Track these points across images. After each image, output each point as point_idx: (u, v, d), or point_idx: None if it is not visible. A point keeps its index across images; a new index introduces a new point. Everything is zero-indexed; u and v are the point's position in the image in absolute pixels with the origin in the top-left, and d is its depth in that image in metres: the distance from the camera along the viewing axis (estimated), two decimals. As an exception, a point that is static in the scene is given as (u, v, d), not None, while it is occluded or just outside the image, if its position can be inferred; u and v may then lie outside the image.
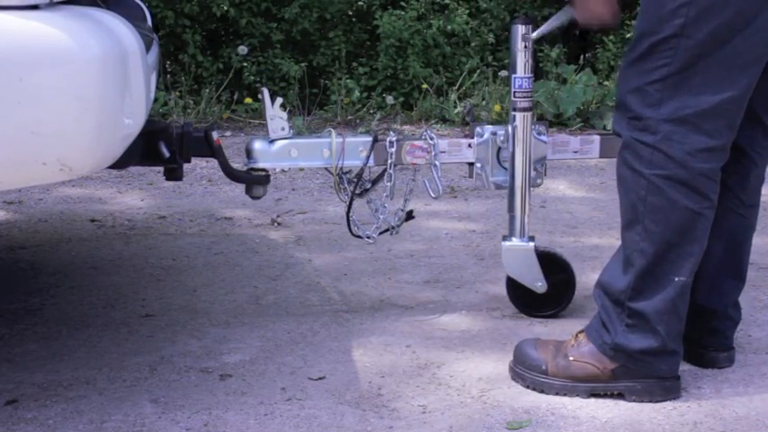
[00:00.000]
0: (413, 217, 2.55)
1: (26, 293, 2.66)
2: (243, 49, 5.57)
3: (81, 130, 1.64)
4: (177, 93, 5.35)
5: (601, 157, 2.59)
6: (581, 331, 2.16)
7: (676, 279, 2.03)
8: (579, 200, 3.85)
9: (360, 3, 5.95)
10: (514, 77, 2.40)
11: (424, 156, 2.45)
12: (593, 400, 2.07)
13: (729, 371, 2.22)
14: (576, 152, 2.55)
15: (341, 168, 2.42)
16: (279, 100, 2.41)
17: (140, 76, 1.77)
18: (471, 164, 2.50)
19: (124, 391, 2.08)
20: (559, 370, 2.10)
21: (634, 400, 2.06)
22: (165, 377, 2.15)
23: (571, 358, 2.10)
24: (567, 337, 2.38)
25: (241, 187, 2.47)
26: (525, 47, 2.38)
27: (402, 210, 2.52)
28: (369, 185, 2.45)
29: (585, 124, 5.35)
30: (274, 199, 3.76)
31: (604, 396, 2.08)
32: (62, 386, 2.09)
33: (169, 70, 5.51)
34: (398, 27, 5.61)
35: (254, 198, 2.44)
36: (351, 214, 2.46)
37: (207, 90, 5.35)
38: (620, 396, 2.07)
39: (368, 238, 2.51)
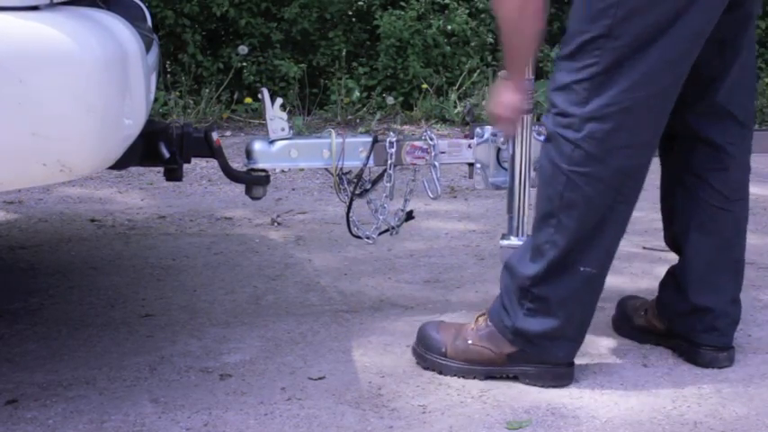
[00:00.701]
0: (413, 217, 2.55)
1: (26, 293, 2.66)
2: (243, 49, 5.57)
3: (81, 130, 1.64)
4: (177, 93, 5.35)
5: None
6: (482, 314, 2.21)
7: (582, 269, 2.07)
8: (579, 200, 3.85)
9: (360, 3, 5.95)
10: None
11: (424, 156, 2.45)
12: (593, 400, 2.07)
13: (729, 371, 2.23)
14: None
15: (341, 169, 2.42)
16: (279, 101, 2.42)
17: (140, 77, 1.77)
18: (471, 164, 2.50)
19: (124, 391, 2.08)
20: (458, 353, 2.16)
21: (527, 383, 2.12)
22: (165, 377, 2.15)
23: (470, 342, 2.16)
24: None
25: (241, 187, 2.47)
26: None
27: (402, 210, 2.52)
28: (369, 186, 2.45)
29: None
30: (274, 199, 3.76)
31: (500, 378, 2.13)
32: (62, 386, 2.09)
33: (169, 70, 5.51)
34: (398, 27, 5.62)
35: (253, 199, 2.45)
36: (351, 215, 2.46)
37: (207, 90, 5.35)
38: (515, 379, 2.13)
39: (368, 238, 2.51)
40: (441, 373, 2.17)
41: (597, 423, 1.97)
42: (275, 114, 2.40)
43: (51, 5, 1.66)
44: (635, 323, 2.38)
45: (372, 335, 2.42)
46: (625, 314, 2.42)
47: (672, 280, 2.31)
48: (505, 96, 2.22)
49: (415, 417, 1.99)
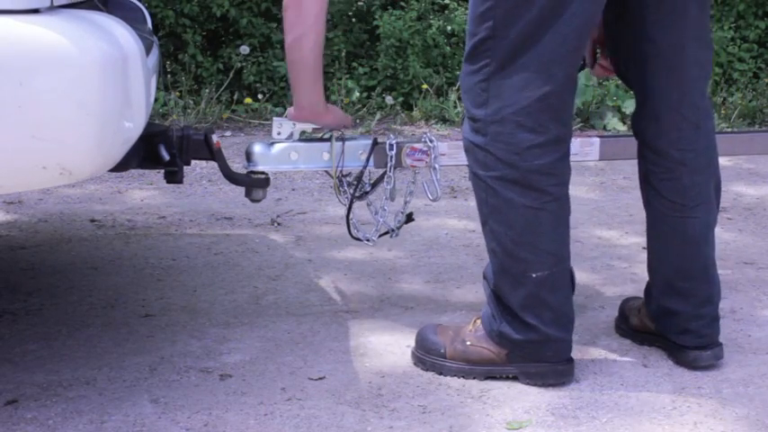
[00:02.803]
0: (413, 219, 2.55)
1: (26, 293, 2.67)
2: (244, 49, 5.57)
3: (81, 134, 1.64)
4: (177, 93, 5.36)
5: (601, 159, 2.59)
6: (479, 317, 2.22)
7: (534, 275, 2.07)
8: (579, 200, 3.85)
9: (360, 3, 5.95)
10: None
11: (424, 159, 2.45)
12: (593, 400, 2.07)
13: (729, 371, 2.23)
14: (575, 154, 2.55)
15: (341, 171, 2.42)
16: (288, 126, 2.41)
17: (140, 80, 1.77)
18: (471, 165, 2.50)
19: (124, 391, 2.09)
20: (457, 353, 2.17)
21: (528, 383, 2.12)
22: (165, 377, 2.16)
23: (468, 343, 2.16)
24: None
25: (241, 188, 2.47)
26: None
27: (402, 212, 2.52)
28: (368, 188, 2.45)
29: (585, 124, 5.36)
30: (274, 199, 3.76)
31: (500, 379, 2.14)
32: (62, 386, 2.10)
33: (169, 70, 5.52)
34: (398, 27, 5.62)
35: (253, 201, 2.45)
36: (350, 217, 2.46)
37: (207, 90, 5.35)
38: (515, 379, 2.13)
39: (368, 240, 2.51)
40: (441, 374, 2.17)
41: (597, 423, 1.98)
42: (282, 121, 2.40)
43: (52, 8, 1.67)
44: (631, 323, 2.38)
45: (372, 335, 2.42)
46: (623, 314, 2.43)
47: (647, 283, 2.32)
48: (328, 119, 2.33)
49: (415, 417, 1.99)
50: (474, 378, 2.15)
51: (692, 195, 2.17)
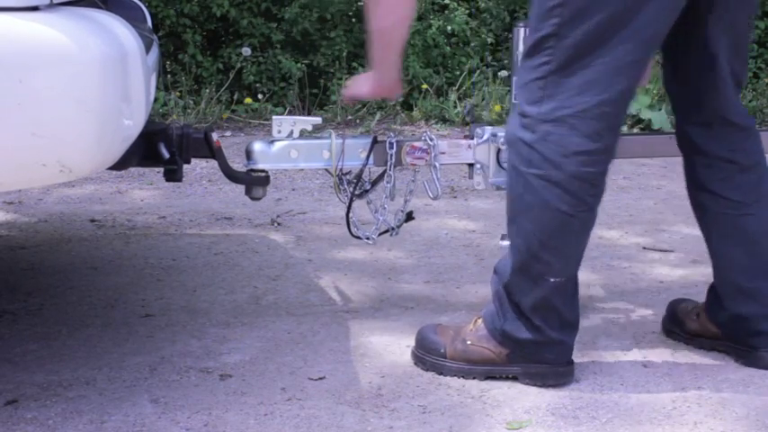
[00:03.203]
0: (413, 218, 2.55)
1: (26, 293, 2.66)
2: (246, 51, 5.58)
3: (81, 131, 1.64)
4: (177, 93, 5.36)
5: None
6: (480, 316, 2.20)
7: (552, 280, 2.06)
8: (579, 200, 3.85)
9: (360, 3, 5.95)
10: (516, 79, 2.41)
11: (424, 157, 2.45)
12: (593, 400, 2.07)
13: (729, 371, 2.22)
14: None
15: (341, 170, 2.42)
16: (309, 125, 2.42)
17: (140, 78, 1.77)
18: (471, 165, 2.50)
19: (124, 391, 2.08)
20: (457, 353, 2.15)
21: (527, 383, 2.12)
22: (165, 377, 2.15)
23: (468, 342, 2.15)
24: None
25: (241, 187, 2.47)
26: None
27: (402, 211, 2.52)
28: (368, 187, 2.45)
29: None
30: (274, 199, 3.76)
31: (500, 379, 2.13)
32: (62, 386, 2.09)
33: (169, 70, 5.52)
34: (398, 27, 5.61)
35: (253, 199, 2.45)
36: (350, 215, 2.46)
37: (207, 90, 5.36)
38: (515, 379, 2.13)
39: (368, 239, 2.51)
40: (441, 374, 2.17)
41: (597, 423, 1.97)
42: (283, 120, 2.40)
43: (51, 6, 1.67)
44: (688, 327, 2.34)
45: (372, 335, 2.42)
46: (676, 318, 2.39)
47: (712, 291, 2.30)
48: (368, 85, 2.37)
49: (415, 417, 1.99)
50: (474, 378, 2.15)
51: (749, 191, 2.18)
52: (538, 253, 2.05)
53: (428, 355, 2.20)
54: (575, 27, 1.93)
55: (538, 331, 2.09)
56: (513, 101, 2.42)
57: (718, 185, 2.18)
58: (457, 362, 2.16)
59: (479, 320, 2.19)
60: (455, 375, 2.16)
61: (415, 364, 2.22)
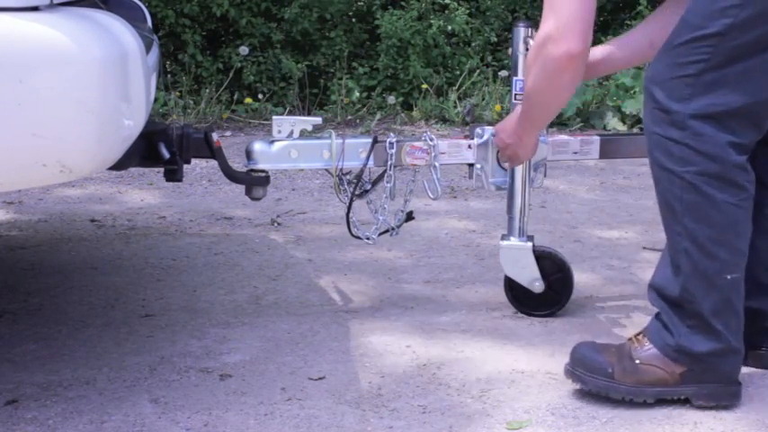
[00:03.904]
0: (413, 218, 2.55)
1: (26, 293, 2.66)
2: (244, 50, 5.58)
3: (81, 131, 1.64)
4: (177, 93, 5.36)
5: (600, 158, 2.59)
6: (638, 334, 2.10)
7: (729, 277, 1.99)
8: (579, 200, 3.85)
9: (360, 3, 5.95)
10: (516, 80, 2.41)
11: (424, 157, 2.45)
12: (592, 399, 2.07)
13: (729, 371, 2.22)
14: (576, 153, 2.55)
15: (341, 170, 2.42)
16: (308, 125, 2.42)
17: (140, 78, 1.77)
18: (471, 165, 2.50)
19: (124, 391, 2.08)
20: (626, 374, 2.03)
21: (700, 406, 2.03)
22: (165, 377, 2.16)
23: (638, 362, 2.04)
24: (569, 337, 2.39)
25: (241, 187, 2.47)
26: (527, 49, 2.38)
27: (402, 211, 2.52)
28: (368, 187, 2.45)
29: (585, 124, 5.36)
30: (274, 199, 3.76)
31: (671, 402, 2.03)
32: (62, 386, 2.10)
33: (169, 70, 5.52)
34: (399, 27, 5.62)
35: (253, 199, 2.45)
36: (351, 215, 2.46)
37: (207, 90, 5.36)
38: (687, 401, 2.03)
39: (368, 239, 2.51)
40: (607, 396, 2.04)
41: (597, 423, 1.97)
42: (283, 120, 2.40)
43: (51, 6, 1.67)
44: None
45: (372, 335, 2.42)
46: None
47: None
48: (523, 143, 2.32)
49: (415, 417, 1.99)
50: (644, 401, 2.03)
51: None
52: (711, 251, 1.98)
53: (592, 375, 2.05)
54: (746, 30, 1.91)
55: (718, 339, 2.00)
56: (514, 101, 2.42)
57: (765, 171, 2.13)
58: (627, 383, 2.03)
59: (642, 338, 2.08)
60: (623, 397, 2.03)
61: (574, 382, 2.08)
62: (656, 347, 2.04)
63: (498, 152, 2.46)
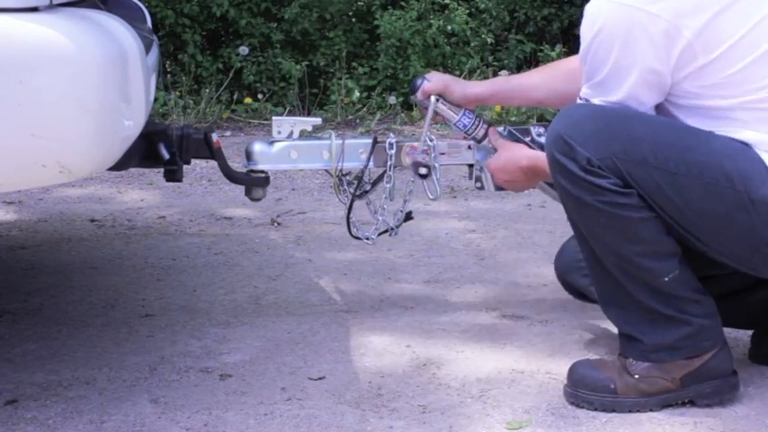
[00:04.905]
0: (412, 218, 2.55)
1: (26, 293, 2.66)
2: (243, 50, 5.57)
3: (81, 132, 1.64)
4: (177, 93, 5.36)
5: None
6: (620, 354, 2.09)
7: (666, 279, 1.98)
8: (579, 200, 3.84)
9: (360, 3, 5.95)
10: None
11: (424, 158, 2.45)
12: (592, 400, 2.07)
13: (729, 371, 2.22)
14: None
15: (341, 170, 2.42)
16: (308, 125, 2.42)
17: (140, 78, 1.77)
18: (471, 166, 2.50)
19: (124, 391, 2.08)
20: (629, 387, 2.03)
21: (706, 405, 2.03)
22: (165, 377, 2.16)
23: (637, 377, 2.04)
24: (569, 336, 2.39)
25: (241, 187, 2.47)
26: None
27: (401, 211, 2.52)
28: (368, 187, 2.45)
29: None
30: (274, 199, 3.76)
31: (675, 406, 2.03)
32: (62, 386, 2.10)
33: (169, 70, 5.52)
34: (399, 27, 5.62)
35: (253, 200, 2.44)
36: (350, 216, 2.46)
37: (207, 90, 5.35)
38: (691, 403, 2.03)
39: (367, 239, 2.51)
40: (613, 410, 2.02)
41: (597, 423, 1.97)
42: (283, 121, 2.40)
43: (51, 7, 1.67)
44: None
45: (372, 335, 2.42)
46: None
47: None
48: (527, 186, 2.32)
49: (415, 417, 1.99)
50: (650, 410, 2.02)
51: None
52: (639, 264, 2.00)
53: (597, 394, 2.03)
54: None
55: (687, 323, 2.00)
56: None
57: None
58: (631, 396, 2.02)
59: (625, 358, 2.06)
60: (630, 410, 2.02)
61: (578, 405, 2.05)
62: (641, 360, 2.03)
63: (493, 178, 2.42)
